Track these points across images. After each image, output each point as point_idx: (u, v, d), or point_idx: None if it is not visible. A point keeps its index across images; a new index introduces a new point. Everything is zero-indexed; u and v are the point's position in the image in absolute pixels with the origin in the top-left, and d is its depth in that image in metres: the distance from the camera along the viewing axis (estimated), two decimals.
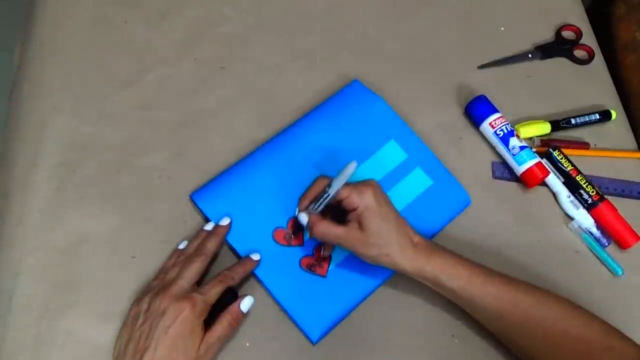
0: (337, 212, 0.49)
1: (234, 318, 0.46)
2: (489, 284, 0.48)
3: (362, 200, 0.47)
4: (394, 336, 0.52)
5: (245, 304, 0.47)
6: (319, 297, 0.51)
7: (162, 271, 0.49)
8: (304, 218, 0.49)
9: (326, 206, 0.49)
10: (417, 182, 0.58)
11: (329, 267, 0.53)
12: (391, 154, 0.59)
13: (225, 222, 0.51)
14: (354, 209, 0.47)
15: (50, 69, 0.60)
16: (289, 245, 0.53)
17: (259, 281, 0.52)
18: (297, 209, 0.51)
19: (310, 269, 0.52)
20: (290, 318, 0.51)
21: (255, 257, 0.51)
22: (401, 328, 0.52)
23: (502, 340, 0.50)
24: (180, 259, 0.49)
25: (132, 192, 0.55)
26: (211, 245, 0.49)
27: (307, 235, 0.53)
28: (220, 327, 0.45)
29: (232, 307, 0.47)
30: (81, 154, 0.56)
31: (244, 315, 0.47)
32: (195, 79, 0.62)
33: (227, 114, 0.60)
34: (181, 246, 0.51)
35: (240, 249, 0.52)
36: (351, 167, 0.47)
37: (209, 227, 0.52)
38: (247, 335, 0.50)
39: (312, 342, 0.50)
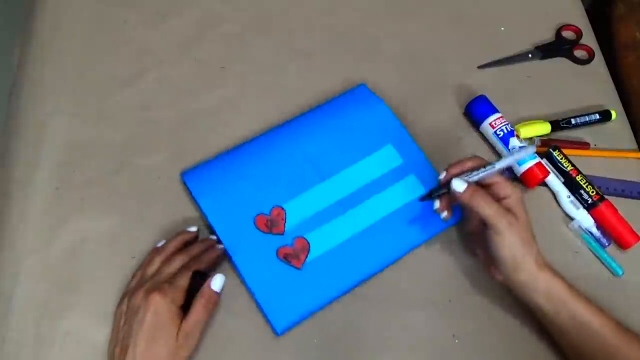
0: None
1: (207, 299, 0.45)
2: (606, 316, 0.48)
3: (516, 192, 0.48)
4: (394, 336, 0.52)
5: (216, 282, 0.46)
6: (291, 288, 0.51)
7: (140, 269, 0.49)
8: (460, 184, 0.48)
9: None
10: (410, 189, 0.57)
11: (305, 259, 0.53)
12: (386, 158, 0.58)
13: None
14: (503, 198, 0.48)
15: (50, 69, 0.60)
16: (270, 232, 0.53)
17: (233, 265, 0.51)
18: (441, 174, 0.50)
19: (286, 259, 0.52)
20: (258, 306, 0.51)
21: (220, 246, 0.51)
22: (401, 328, 0.52)
23: (563, 350, 0.50)
24: (159, 257, 0.49)
25: (131, 193, 0.55)
26: (196, 249, 0.49)
27: (289, 225, 0.53)
28: (195, 311, 0.44)
29: (203, 289, 0.45)
30: (81, 154, 0.56)
31: (218, 295, 0.46)
32: (195, 79, 0.62)
33: (227, 114, 0.60)
34: (159, 244, 0.51)
35: (221, 230, 0.52)
36: (530, 150, 0.48)
37: (192, 228, 0.52)
38: (247, 337, 0.50)
39: (276, 333, 0.50)
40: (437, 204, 0.51)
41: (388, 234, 0.55)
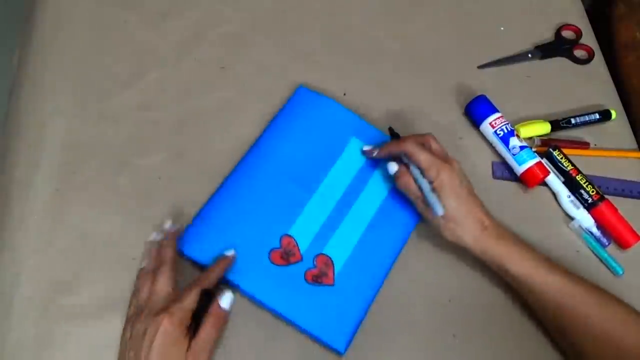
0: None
1: (216, 318, 0.44)
2: (553, 275, 0.49)
3: (438, 177, 0.50)
4: (394, 336, 0.52)
5: (225, 300, 0.45)
6: (334, 305, 0.51)
7: (134, 295, 0.47)
8: (393, 167, 0.53)
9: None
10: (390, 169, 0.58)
11: (334, 273, 0.52)
12: (356, 151, 0.58)
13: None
14: (431, 182, 0.50)
15: (50, 69, 0.60)
16: (288, 264, 0.52)
17: (268, 308, 0.50)
18: (375, 151, 0.55)
19: (316, 280, 0.52)
20: (311, 336, 0.50)
21: (229, 252, 0.49)
22: (401, 328, 0.52)
23: (550, 330, 0.51)
24: (146, 277, 0.48)
25: (132, 193, 0.55)
26: (168, 252, 0.48)
27: (303, 248, 0.53)
28: (204, 331, 0.43)
29: (212, 307, 0.44)
30: (81, 154, 0.56)
31: (227, 312, 0.45)
32: (195, 79, 0.62)
33: (227, 114, 0.60)
34: (143, 264, 0.49)
35: (242, 282, 0.50)
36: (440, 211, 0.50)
37: (157, 236, 0.50)
38: (247, 338, 0.50)
39: (340, 353, 0.49)
40: (393, 167, 0.54)
41: (392, 216, 0.56)
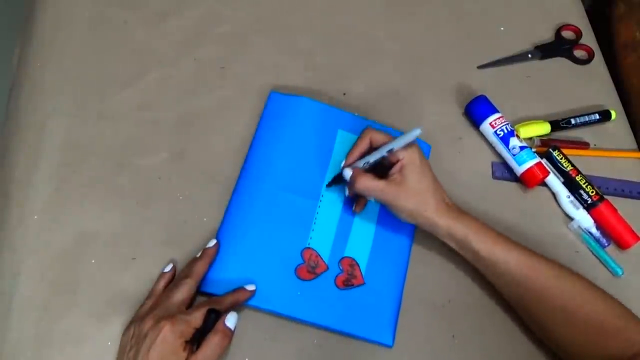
0: (376, 165, 0.51)
1: (220, 335, 0.44)
2: (513, 249, 0.50)
3: (407, 154, 0.49)
4: (394, 336, 0.52)
5: (231, 319, 0.45)
6: (370, 303, 0.52)
7: (149, 296, 0.48)
8: (347, 173, 0.51)
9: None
10: None
11: (361, 273, 0.53)
12: (346, 143, 0.58)
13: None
14: (397, 161, 0.49)
15: (50, 69, 0.60)
16: (316, 276, 0.52)
17: (310, 323, 0.51)
18: (342, 163, 0.52)
19: (347, 284, 0.52)
20: (358, 338, 0.51)
21: (250, 287, 0.49)
22: (402, 328, 0.52)
23: (517, 308, 0.52)
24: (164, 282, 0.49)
25: (132, 193, 0.55)
26: (199, 267, 0.48)
27: (326, 256, 0.53)
28: (207, 347, 0.43)
29: (218, 325, 0.44)
30: (81, 154, 0.56)
31: (231, 331, 0.45)
32: (195, 79, 0.62)
33: (227, 114, 0.60)
34: (166, 269, 0.51)
35: (279, 308, 0.50)
36: (415, 132, 0.48)
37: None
38: (247, 338, 0.50)
39: (389, 346, 0.51)
40: (347, 191, 0.53)
41: None
